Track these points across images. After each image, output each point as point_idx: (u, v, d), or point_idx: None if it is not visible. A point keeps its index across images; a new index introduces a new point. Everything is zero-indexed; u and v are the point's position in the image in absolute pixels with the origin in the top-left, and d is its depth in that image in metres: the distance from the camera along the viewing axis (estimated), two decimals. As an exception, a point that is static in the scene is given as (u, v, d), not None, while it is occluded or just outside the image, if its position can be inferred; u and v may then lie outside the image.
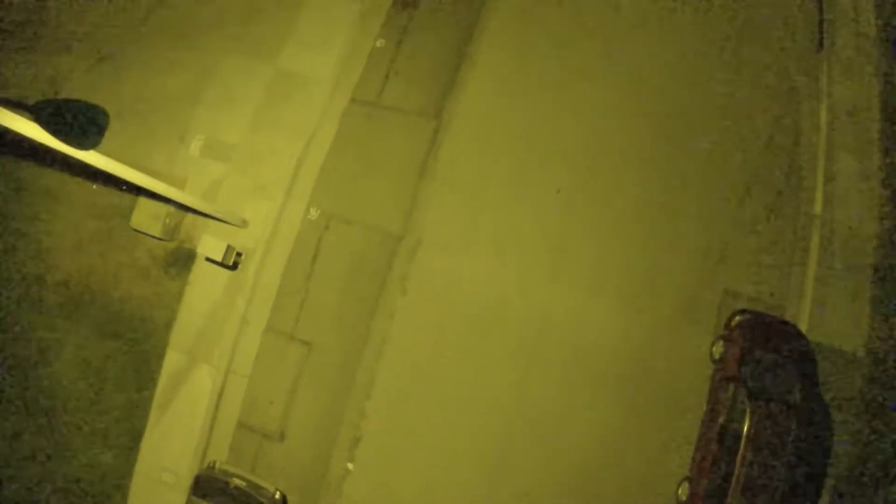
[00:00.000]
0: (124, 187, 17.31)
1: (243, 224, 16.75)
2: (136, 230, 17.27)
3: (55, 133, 10.05)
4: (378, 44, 17.62)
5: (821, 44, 16.29)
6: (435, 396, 15.86)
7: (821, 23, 16.46)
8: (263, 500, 15.83)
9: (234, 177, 17.41)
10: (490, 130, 16.68)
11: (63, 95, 17.98)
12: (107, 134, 17.46)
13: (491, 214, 16.29)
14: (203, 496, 15.72)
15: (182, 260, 17.24)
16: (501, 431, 15.55)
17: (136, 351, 17.37)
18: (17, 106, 10.40)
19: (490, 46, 17.22)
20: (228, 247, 15.95)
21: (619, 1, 16.93)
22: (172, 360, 17.20)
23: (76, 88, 18.26)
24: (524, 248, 15.99)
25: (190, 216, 17.44)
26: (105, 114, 10.76)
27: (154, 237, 17.09)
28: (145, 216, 16.99)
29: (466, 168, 16.54)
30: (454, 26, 17.50)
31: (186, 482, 16.88)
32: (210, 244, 15.87)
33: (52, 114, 10.03)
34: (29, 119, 10.47)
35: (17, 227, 17.89)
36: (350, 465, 16.26)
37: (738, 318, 14.79)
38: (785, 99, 15.84)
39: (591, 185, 16.00)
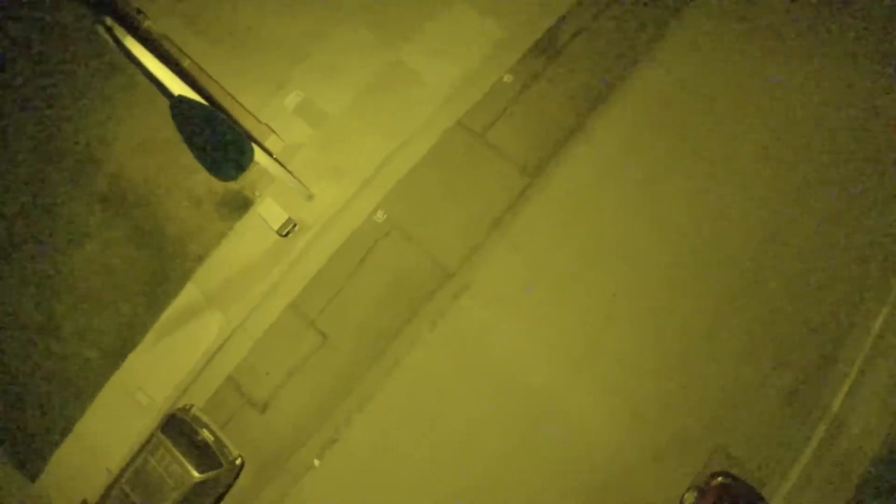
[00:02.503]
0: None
1: (309, 198, 16.56)
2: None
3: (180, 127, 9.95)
4: (506, 78, 17.29)
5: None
6: (422, 436, 15.96)
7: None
8: (223, 460, 15.98)
9: (316, 148, 17.14)
10: (575, 210, 16.53)
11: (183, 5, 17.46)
12: (209, 57, 17.22)
13: (543, 289, 16.24)
14: (168, 436, 15.77)
15: (237, 205, 17.05)
16: (469, 492, 15.69)
17: (158, 270, 17.26)
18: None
19: (610, 127, 16.94)
20: (289, 219, 15.79)
21: (746, 150, 16.60)
22: (190, 293, 17.11)
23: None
24: (562, 331, 15.99)
25: (260, 167, 17.15)
26: (250, 153, 10.57)
27: (220, 173, 16.83)
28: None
29: (539, 237, 16.44)
30: (584, 90, 17.18)
31: (156, 411, 17.00)
32: (272, 210, 15.74)
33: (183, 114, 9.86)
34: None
35: (94, 103, 17.51)
36: (316, 462, 16.43)
37: (720, 479, 15.12)
38: (851, 289, 15.83)
39: (644, 302, 15.95)
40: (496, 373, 16.14)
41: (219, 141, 10.20)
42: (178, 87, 11.51)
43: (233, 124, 10.38)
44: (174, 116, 10.56)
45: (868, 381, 15.52)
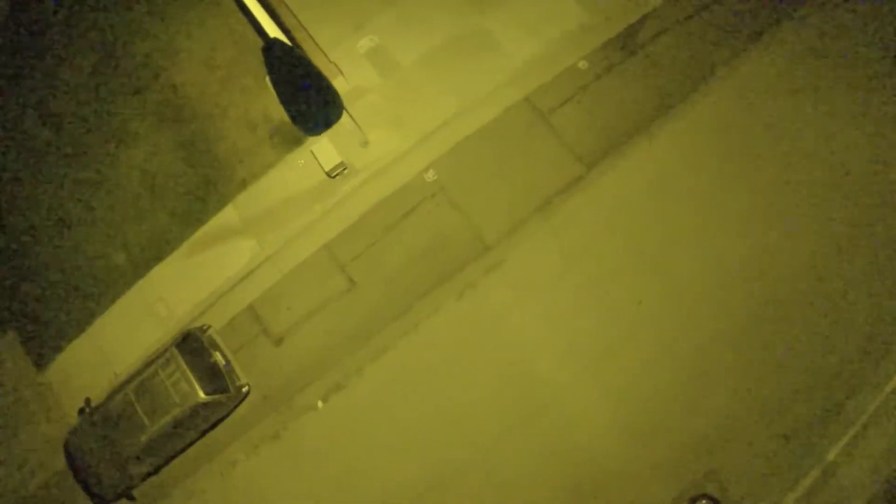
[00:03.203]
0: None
1: (364, 144, 16.46)
2: (268, 84, 16.87)
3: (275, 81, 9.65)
4: (581, 65, 17.07)
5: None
6: (423, 400, 16.05)
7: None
8: (231, 385, 16.06)
9: (380, 95, 16.99)
10: (621, 211, 16.40)
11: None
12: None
13: (574, 280, 16.17)
14: (182, 352, 15.82)
15: (290, 137, 16.93)
16: (456, 464, 15.76)
17: (201, 187, 17.25)
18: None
19: (673, 136, 16.74)
20: (341, 162, 15.70)
21: (799, 193, 16.35)
22: (228, 215, 17.10)
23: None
24: (582, 327, 15.95)
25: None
26: (339, 109, 10.16)
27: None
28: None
29: (581, 229, 16.34)
30: (655, 93, 16.96)
31: (173, 325, 17.07)
32: (326, 150, 15.64)
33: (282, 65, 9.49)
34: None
35: (166, 10, 17.38)
36: (320, 404, 16.52)
37: (704, 501, 15.15)
38: (871, 349, 15.64)
39: (668, 318, 15.84)
40: (508, 354, 16.15)
41: (310, 94, 9.86)
42: (261, 17, 11.25)
43: (326, 78, 10.04)
44: (266, 58, 10.20)
45: (869, 439, 15.44)
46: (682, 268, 16.06)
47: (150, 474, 16.48)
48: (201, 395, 15.50)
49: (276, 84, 9.81)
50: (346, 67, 17.05)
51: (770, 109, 16.82)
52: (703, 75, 17.20)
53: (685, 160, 16.72)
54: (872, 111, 16.56)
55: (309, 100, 9.80)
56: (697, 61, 17.21)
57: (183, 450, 16.45)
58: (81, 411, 16.89)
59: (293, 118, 9.90)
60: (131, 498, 16.59)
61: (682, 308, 15.83)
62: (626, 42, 17.39)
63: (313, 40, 16.96)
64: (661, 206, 16.42)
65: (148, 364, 16.06)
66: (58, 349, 17.64)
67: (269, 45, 10.01)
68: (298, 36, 16.87)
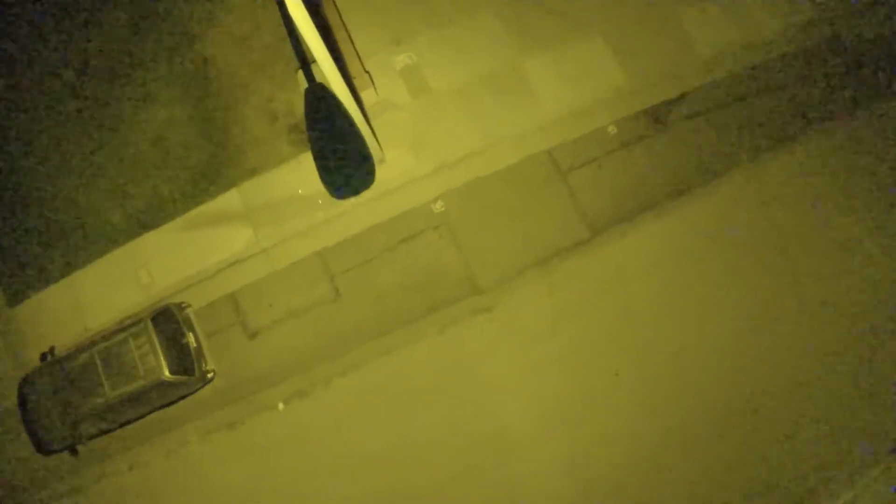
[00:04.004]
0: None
1: (380, 161, 16.33)
2: (298, 83, 16.72)
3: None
4: (610, 129, 17.04)
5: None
6: (386, 424, 16.13)
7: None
8: (197, 369, 16.04)
9: (406, 115, 16.90)
10: (618, 282, 16.49)
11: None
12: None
13: (557, 339, 16.28)
14: (156, 326, 15.74)
15: (302, 138, 16.74)
16: (401, 497, 15.90)
17: (210, 163, 17.13)
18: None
19: (683, 221, 16.79)
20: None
21: (795, 306, 16.45)
22: (231, 199, 17.01)
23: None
24: (556, 387, 16.07)
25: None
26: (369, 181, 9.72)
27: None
28: (304, 84, 16.35)
29: (575, 291, 16.44)
30: (675, 174, 17.01)
31: (153, 293, 16.99)
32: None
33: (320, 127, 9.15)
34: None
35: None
36: (281, 406, 16.54)
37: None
38: (830, 464, 15.83)
39: (642, 395, 15.98)
40: (478, 398, 16.24)
41: (345, 155, 9.47)
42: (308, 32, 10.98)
43: (365, 145, 9.67)
44: (308, 100, 9.69)
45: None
46: (665, 350, 16.19)
47: (97, 436, 16.41)
48: (166, 373, 15.45)
49: (310, 130, 9.52)
50: (379, 79, 16.93)
51: (785, 215, 16.93)
52: (726, 166, 17.23)
53: (690, 246, 16.80)
54: (888, 231, 16.68)
55: (342, 161, 9.42)
56: (722, 151, 17.27)
57: (136, 420, 16.39)
58: (44, 357, 16.80)
59: (320, 172, 9.50)
60: (74, 453, 16.54)
61: (656, 389, 16.00)
62: (659, 116, 17.37)
63: (352, 43, 16.79)
64: (658, 286, 16.51)
65: (119, 330, 15.96)
66: (33, 290, 17.47)
67: (314, 89, 9.66)
68: (339, 36, 16.69)
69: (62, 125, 17.48)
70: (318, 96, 9.69)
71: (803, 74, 17.97)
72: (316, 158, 9.41)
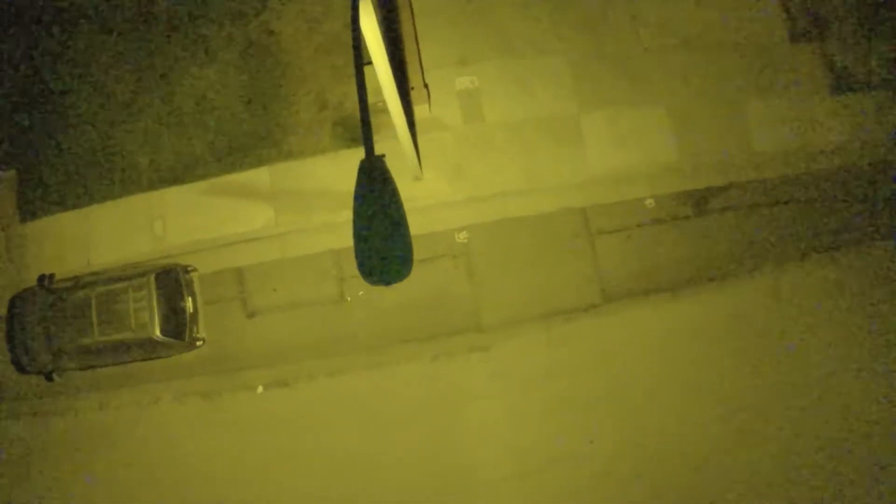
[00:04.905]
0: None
1: (416, 178, 16.23)
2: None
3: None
4: (648, 202, 16.91)
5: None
6: (359, 435, 16.19)
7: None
8: (187, 334, 16.09)
9: (454, 138, 16.75)
10: (618, 352, 16.47)
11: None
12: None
13: (544, 395, 16.32)
14: (158, 284, 15.75)
15: (351, 135, 16.71)
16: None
17: (248, 136, 16.98)
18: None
19: (698, 307, 16.78)
20: (389, 188, 15.44)
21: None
22: (260, 176, 16.91)
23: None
24: (529, 442, 16.11)
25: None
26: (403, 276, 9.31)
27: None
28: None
29: (574, 352, 16.45)
30: (702, 261, 16.92)
31: (162, 247, 16.97)
32: (382, 171, 15.30)
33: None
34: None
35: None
36: (260, 389, 16.61)
37: None
38: None
39: (613, 468, 16.08)
40: (454, 433, 16.30)
41: (387, 244, 9.06)
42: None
43: (409, 240, 9.28)
44: (360, 175, 9.16)
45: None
46: (645, 433, 16.20)
47: (73, 370, 16.50)
48: (157, 332, 15.55)
49: (359, 204, 9.14)
50: (435, 95, 16.73)
51: (798, 327, 16.80)
52: (752, 266, 17.11)
53: (697, 333, 16.77)
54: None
55: (382, 248, 9.06)
56: (751, 250, 17.15)
57: (115, 365, 16.44)
58: (41, 279, 16.79)
59: (357, 250, 9.08)
60: (49, 379, 16.65)
61: (625, 468, 16.06)
62: (700, 201, 17.25)
63: (419, 55, 16.54)
64: (654, 368, 16.48)
65: (121, 278, 15.95)
66: (47, 212, 17.44)
67: (373, 162, 9.28)
68: (407, 45, 16.44)
69: (116, 60, 17.32)
70: (375, 175, 9.20)
71: (851, 191, 17.76)
72: (356, 236, 8.96)
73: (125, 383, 17.00)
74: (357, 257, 8.77)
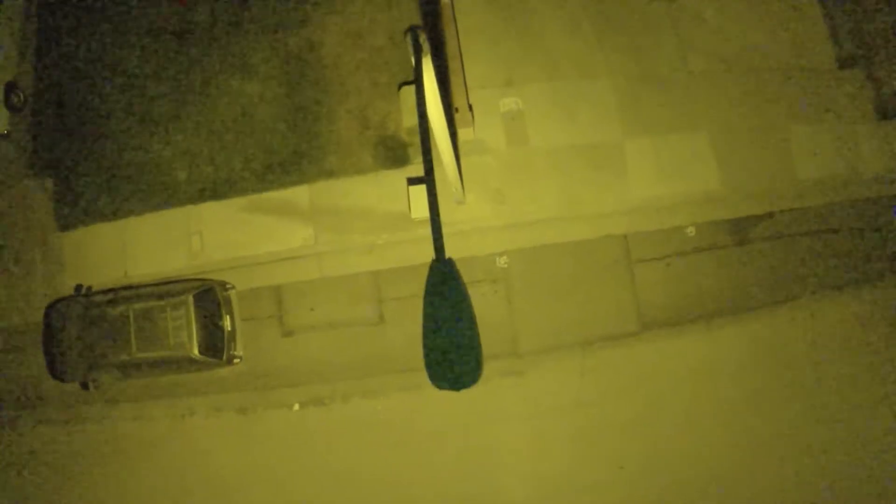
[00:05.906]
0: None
1: (459, 202, 16.09)
2: (401, 99, 16.33)
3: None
4: (689, 230, 16.80)
5: None
6: (388, 459, 16.35)
7: None
8: (225, 353, 16.10)
9: (497, 161, 16.58)
10: (652, 381, 16.53)
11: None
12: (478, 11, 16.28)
13: (577, 422, 16.43)
14: (197, 303, 15.74)
15: (395, 156, 16.58)
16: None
17: (288, 154, 16.82)
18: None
19: (734, 338, 16.79)
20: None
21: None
22: (300, 195, 16.80)
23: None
24: (558, 469, 16.23)
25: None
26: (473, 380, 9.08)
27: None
28: (406, 102, 16.19)
29: (608, 381, 16.49)
30: (740, 291, 16.87)
31: (199, 263, 16.89)
32: (421, 199, 15.24)
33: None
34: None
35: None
36: (297, 407, 16.73)
37: None
38: None
39: (640, 495, 16.21)
40: (483, 456, 16.42)
41: (457, 354, 8.74)
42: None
43: (479, 349, 9.00)
44: (433, 277, 8.84)
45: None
46: (674, 461, 16.32)
47: (112, 381, 16.58)
48: (195, 351, 15.59)
49: (429, 309, 8.85)
50: (479, 117, 16.51)
51: (831, 358, 16.76)
52: (789, 296, 17.03)
53: (730, 363, 16.80)
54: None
55: (453, 353, 8.77)
56: (790, 280, 17.06)
57: (151, 378, 16.52)
58: (78, 289, 16.82)
59: (424, 356, 8.79)
60: (85, 388, 16.73)
61: (653, 494, 16.17)
62: (741, 230, 17.15)
63: (464, 75, 16.32)
64: (687, 398, 16.56)
65: (160, 295, 15.93)
66: (84, 222, 17.37)
67: (444, 267, 8.89)
68: (452, 65, 16.22)
69: (157, 74, 17.08)
70: (444, 279, 8.92)
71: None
72: (425, 338, 8.71)
73: (161, 395, 17.06)
74: (425, 360, 8.51)
